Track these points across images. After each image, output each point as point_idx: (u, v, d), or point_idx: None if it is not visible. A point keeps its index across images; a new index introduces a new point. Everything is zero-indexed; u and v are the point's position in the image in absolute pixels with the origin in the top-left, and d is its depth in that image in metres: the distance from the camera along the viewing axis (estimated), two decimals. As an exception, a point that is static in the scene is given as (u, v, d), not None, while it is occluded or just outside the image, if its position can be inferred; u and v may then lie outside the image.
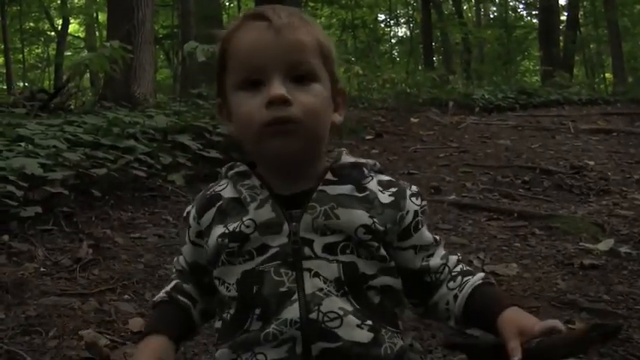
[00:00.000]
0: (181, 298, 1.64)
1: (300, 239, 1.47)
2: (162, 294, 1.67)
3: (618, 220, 4.73)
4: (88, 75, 19.15)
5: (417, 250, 1.59)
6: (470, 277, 1.58)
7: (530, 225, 4.64)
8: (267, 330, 1.42)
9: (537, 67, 29.83)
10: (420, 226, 1.59)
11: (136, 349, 1.57)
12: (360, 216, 1.49)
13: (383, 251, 1.51)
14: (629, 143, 8.65)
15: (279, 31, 1.47)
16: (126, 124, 5.75)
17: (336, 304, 1.43)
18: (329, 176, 1.54)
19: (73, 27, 31.15)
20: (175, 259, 1.73)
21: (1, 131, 5.05)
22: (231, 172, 1.60)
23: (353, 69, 12.52)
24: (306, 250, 1.46)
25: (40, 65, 30.76)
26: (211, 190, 1.61)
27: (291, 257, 1.46)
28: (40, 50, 31.63)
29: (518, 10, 33.71)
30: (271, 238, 1.47)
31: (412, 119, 10.59)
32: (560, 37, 25.00)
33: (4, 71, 19.73)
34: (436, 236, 1.64)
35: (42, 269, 3.48)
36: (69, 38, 29.78)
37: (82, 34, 32.23)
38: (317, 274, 1.44)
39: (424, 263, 1.59)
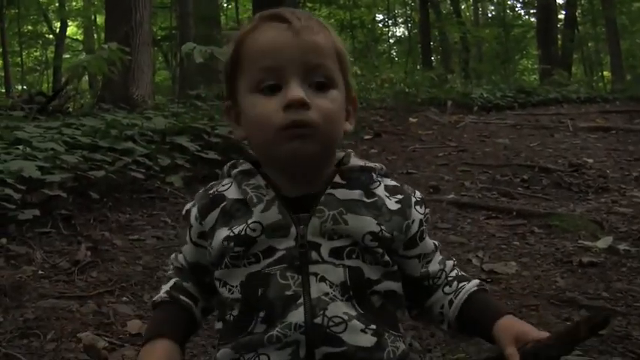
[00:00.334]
0: (183, 297, 1.61)
1: (308, 243, 1.45)
2: (162, 294, 1.63)
3: (617, 217, 4.73)
4: (86, 77, 19.17)
5: (421, 258, 1.59)
6: (465, 282, 1.59)
7: (529, 223, 4.63)
8: (272, 333, 1.41)
9: (536, 66, 29.86)
10: (424, 236, 1.59)
11: (140, 355, 1.53)
12: (369, 223, 1.48)
13: (387, 257, 1.50)
14: (627, 141, 8.65)
15: (298, 33, 1.45)
16: (124, 126, 5.75)
17: (340, 309, 1.42)
18: (337, 179, 1.52)
19: (71, 29, 31.16)
20: (173, 255, 1.70)
21: (-1, 134, 5.05)
22: (234, 171, 1.56)
23: (351, 69, 12.52)
24: (313, 255, 1.44)
25: (38, 68, 30.75)
26: (214, 189, 1.57)
27: (297, 261, 1.44)
28: (38, 53, 31.62)
29: (516, 9, 33.72)
30: (278, 241, 1.45)
31: (411, 119, 10.59)
32: (559, 36, 25.04)
33: (3, 74, 19.73)
34: (435, 242, 1.64)
35: (40, 272, 3.47)
36: (67, 41, 29.76)
37: (80, 37, 32.22)
38: (323, 279, 1.43)
39: (424, 270, 1.59)
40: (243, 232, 1.46)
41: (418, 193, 1.61)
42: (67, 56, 27.62)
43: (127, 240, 4.09)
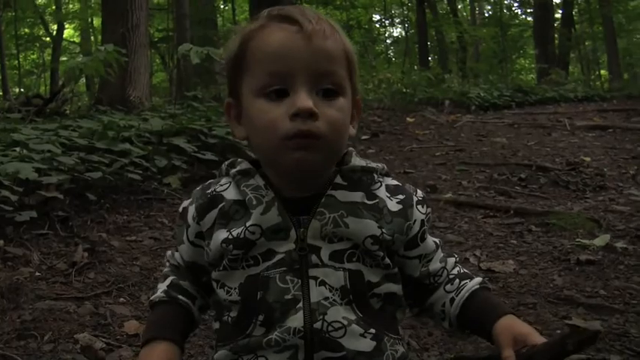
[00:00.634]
0: (181, 297, 1.59)
1: (308, 246, 1.43)
2: (160, 293, 1.60)
3: (614, 215, 4.73)
4: (84, 80, 19.18)
5: (422, 258, 1.58)
6: (467, 280, 1.58)
7: (527, 222, 4.64)
8: (270, 336, 1.39)
9: (533, 65, 29.87)
10: (425, 236, 1.57)
11: (140, 357, 1.51)
12: (370, 226, 1.45)
13: (387, 260, 1.48)
14: (625, 139, 8.66)
15: (309, 38, 1.40)
16: (121, 127, 5.75)
17: (340, 313, 1.40)
18: (338, 180, 1.49)
19: (68, 32, 31.12)
20: (169, 252, 1.67)
21: (-5, 136, 5.05)
22: (233, 171, 1.52)
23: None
24: (313, 258, 1.42)
25: (35, 71, 30.71)
26: (212, 189, 1.53)
27: (297, 264, 1.42)
28: (35, 56, 31.58)
29: (513, 9, 33.74)
30: (278, 243, 1.43)
31: (408, 118, 10.61)
32: (556, 35, 25.04)
33: (0, 77, 19.70)
34: (436, 240, 1.62)
35: (37, 273, 3.47)
36: (64, 43, 29.76)
37: (77, 39, 32.18)
38: (323, 283, 1.41)
39: (424, 269, 1.58)
40: (242, 235, 1.43)
41: (420, 193, 1.59)
42: (64, 59, 27.55)
43: (124, 241, 4.09)
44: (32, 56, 31.67)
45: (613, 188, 5.75)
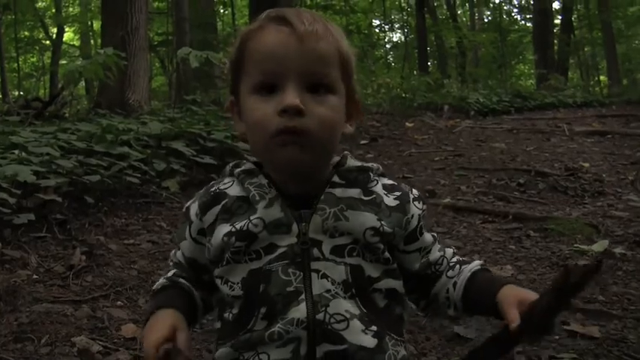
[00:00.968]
0: (183, 281, 1.60)
1: (310, 240, 1.45)
2: (162, 280, 1.62)
3: (613, 221, 4.73)
4: (83, 83, 19.18)
5: (421, 251, 1.59)
6: (467, 264, 1.59)
7: (525, 227, 4.64)
8: (273, 329, 1.40)
9: (532, 71, 29.90)
10: (423, 230, 1.59)
11: (147, 325, 1.49)
12: (369, 218, 1.49)
13: (387, 254, 1.50)
14: (623, 145, 8.66)
15: (301, 40, 1.45)
16: (119, 130, 5.74)
17: (343, 306, 1.42)
18: (336, 179, 1.52)
19: (68, 35, 31.14)
20: (173, 252, 1.68)
21: (-6, 139, 5.04)
22: (237, 170, 1.56)
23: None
24: (315, 252, 1.45)
25: (35, 74, 30.71)
26: (215, 187, 1.57)
27: (299, 258, 1.44)
28: (35, 59, 31.59)
29: (513, 14, 33.79)
30: (280, 237, 1.46)
31: (407, 123, 10.61)
32: (555, 41, 25.07)
33: (0, 80, 19.71)
34: (433, 234, 1.64)
35: (35, 276, 3.46)
36: (64, 46, 29.74)
37: (76, 43, 32.21)
38: (325, 276, 1.43)
39: (424, 260, 1.59)
40: (245, 228, 1.46)
41: (415, 191, 1.62)
42: (64, 62, 27.58)
43: (122, 244, 4.09)
44: (32, 59, 31.68)
45: (612, 194, 5.75)
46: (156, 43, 20.04)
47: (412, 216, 1.57)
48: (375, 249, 1.48)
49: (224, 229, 1.49)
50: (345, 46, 1.54)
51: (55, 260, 3.73)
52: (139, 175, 5.08)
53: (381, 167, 1.62)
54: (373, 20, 29.74)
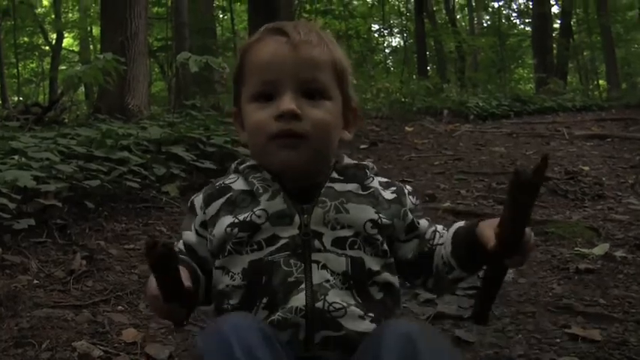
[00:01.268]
0: (183, 257, 1.62)
1: (311, 231, 1.51)
2: None
3: (613, 224, 4.72)
4: (82, 89, 19.18)
5: (420, 237, 1.66)
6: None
7: (526, 231, 4.62)
8: (273, 317, 1.45)
9: (531, 75, 29.91)
10: (419, 220, 1.67)
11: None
12: (368, 211, 1.56)
13: (385, 246, 1.57)
14: (623, 148, 8.66)
15: (295, 48, 1.55)
16: (119, 135, 5.74)
17: (340, 296, 1.47)
18: (334, 175, 1.60)
19: (68, 41, 31.14)
20: (176, 242, 1.72)
21: (-6, 144, 5.04)
22: (242, 166, 1.64)
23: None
24: (316, 243, 1.51)
25: (34, 79, 30.72)
26: (221, 182, 1.65)
27: (300, 249, 1.50)
28: (34, 65, 31.59)
29: (512, 18, 33.82)
30: (282, 229, 1.52)
31: (407, 128, 10.61)
32: (554, 45, 25.08)
33: (-1, 86, 19.73)
34: (427, 218, 1.72)
35: (35, 281, 3.46)
36: (63, 52, 29.76)
37: (76, 48, 32.20)
38: (325, 267, 1.49)
39: (422, 242, 1.66)
40: (248, 219, 1.53)
41: (409, 187, 1.72)
42: (64, 68, 27.57)
43: (122, 249, 4.08)
44: (31, 65, 31.67)
45: (612, 197, 5.74)
46: (155, 48, 20.06)
47: (409, 208, 1.65)
48: (374, 241, 1.55)
49: (227, 220, 1.55)
50: (340, 55, 1.65)
51: (55, 265, 3.73)
52: (139, 180, 5.08)
53: (375, 167, 1.70)
54: (372, 25, 29.74)
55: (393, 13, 30.68)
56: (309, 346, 1.46)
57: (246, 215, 1.53)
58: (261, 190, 1.56)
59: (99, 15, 14.37)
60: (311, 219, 1.52)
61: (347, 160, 1.66)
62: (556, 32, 27.02)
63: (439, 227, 1.69)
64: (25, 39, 28.54)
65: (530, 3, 28.29)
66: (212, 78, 12.25)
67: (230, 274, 1.54)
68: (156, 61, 22.36)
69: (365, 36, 27.63)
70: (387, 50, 33.73)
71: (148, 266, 1.36)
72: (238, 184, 1.62)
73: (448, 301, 3.27)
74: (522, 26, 32.90)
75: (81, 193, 4.67)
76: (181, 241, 1.69)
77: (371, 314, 1.49)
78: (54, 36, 27.98)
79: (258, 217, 1.52)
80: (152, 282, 1.44)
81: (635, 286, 3.47)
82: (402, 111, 12.47)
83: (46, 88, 27.34)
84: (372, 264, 1.54)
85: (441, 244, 1.63)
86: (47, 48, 29.07)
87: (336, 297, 1.47)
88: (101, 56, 6.87)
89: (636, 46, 32.18)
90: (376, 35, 31.70)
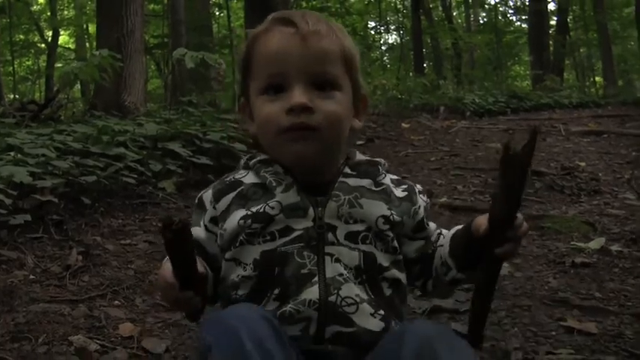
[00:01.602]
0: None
1: (325, 224, 1.51)
2: None
3: (609, 219, 4.73)
4: (79, 86, 19.14)
5: (427, 239, 1.68)
6: None
7: (522, 225, 4.62)
8: (284, 309, 1.45)
9: (528, 72, 29.92)
10: (428, 220, 1.69)
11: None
12: (381, 207, 1.56)
13: (395, 243, 1.57)
14: (619, 144, 8.67)
15: (304, 39, 1.52)
16: (115, 132, 5.73)
17: (353, 290, 1.47)
18: (347, 170, 1.61)
19: (63, 38, 31.09)
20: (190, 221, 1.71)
21: (-11, 141, 5.03)
22: (252, 162, 1.63)
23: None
24: (330, 236, 1.51)
25: (30, 77, 30.65)
26: (231, 177, 1.65)
27: (314, 241, 1.50)
28: (30, 62, 31.52)
29: (508, 15, 33.81)
30: (296, 221, 1.51)
31: (403, 124, 10.62)
32: (550, 42, 25.09)
33: (-5, 83, 19.67)
34: (434, 224, 1.73)
35: (31, 276, 3.46)
36: (59, 50, 29.68)
37: (72, 46, 32.15)
38: (338, 260, 1.49)
39: (427, 244, 1.68)
40: (262, 210, 1.52)
41: (419, 186, 1.72)
42: (59, 65, 27.51)
43: (118, 245, 4.08)
44: (27, 62, 31.61)
45: (608, 192, 5.75)
46: (152, 45, 20.03)
47: (419, 207, 1.66)
48: (385, 237, 1.55)
49: (240, 213, 1.55)
50: (349, 43, 1.62)
51: (51, 260, 3.73)
52: (136, 176, 5.07)
53: (387, 164, 1.71)
54: (369, 22, 29.74)
55: (390, 10, 30.65)
56: (319, 342, 1.45)
57: (259, 207, 1.53)
58: (274, 184, 1.55)
59: (95, 12, 14.34)
60: (325, 212, 1.52)
61: (359, 157, 1.66)
62: (552, 29, 27.05)
63: (444, 231, 1.71)
64: (21, 37, 28.46)
65: (527, 0, 28.28)
66: (208, 75, 12.22)
67: (242, 264, 1.53)
68: (152, 59, 22.32)
69: (361, 33, 27.59)
70: (383, 47, 33.71)
71: (164, 244, 1.36)
72: (249, 177, 1.61)
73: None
74: (519, 23, 32.93)
75: (77, 189, 4.67)
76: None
77: (381, 312, 1.49)
78: (50, 33, 27.91)
79: (272, 208, 1.52)
80: (165, 270, 1.44)
81: (631, 279, 3.48)
82: (398, 108, 12.47)
83: (42, 86, 27.25)
84: (383, 260, 1.54)
85: (441, 246, 1.65)
86: (43, 46, 28.98)
87: (350, 291, 1.46)
88: (97, 53, 6.87)
89: (632, 43, 32.14)
90: (373, 32, 31.70)
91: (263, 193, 1.56)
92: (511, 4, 33.70)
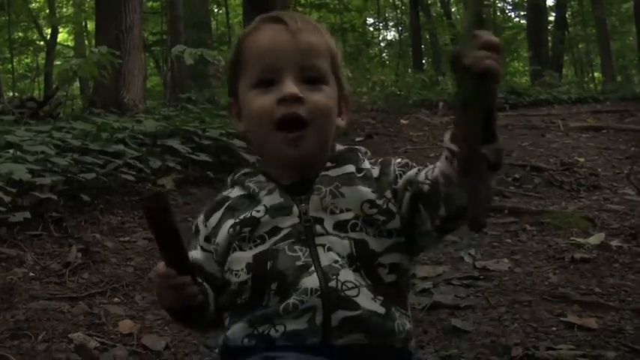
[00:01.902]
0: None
1: (311, 218, 1.51)
2: None
3: (609, 214, 4.73)
4: (77, 84, 19.13)
5: (411, 184, 1.52)
6: None
7: (521, 221, 4.63)
8: (287, 302, 1.44)
9: (526, 68, 29.90)
10: (403, 170, 1.57)
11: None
12: (364, 192, 1.54)
13: (390, 225, 1.53)
14: (618, 140, 8.66)
15: (294, 34, 1.56)
16: (115, 129, 5.73)
17: (351, 275, 1.46)
18: (328, 163, 1.60)
19: (62, 36, 31.04)
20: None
21: (-11, 138, 5.02)
22: (237, 175, 1.66)
23: (344, 70, 12.52)
24: (318, 228, 1.50)
25: (29, 75, 30.60)
26: (219, 196, 1.67)
27: (303, 235, 1.50)
28: (29, 60, 31.48)
29: (507, 11, 33.78)
30: (282, 220, 1.52)
31: (402, 120, 10.60)
32: (549, 37, 25.07)
33: (-6, 81, 19.63)
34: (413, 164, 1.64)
35: (31, 274, 3.46)
36: (58, 47, 29.64)
37: (71, 43, 32.10)
38: (330, 249, 1.48)
39: (413, 183, 1.52)
40: (249, 215, 1.53)
41: (399, 158, 1.64)
42: (58, 62, 27.46)
43: (118, 242, 4.08)
44: (26, 60, 31.58)
45: (607, 188, 5.75)
46: (150, 42, 20.02)
47: (392, 172, 1.58)
48: (375, 221, 1.52)
49: (229, 223, 1.56)
50: (333, 44, 1.66)
51: (51, 258, 3.73)
52: (135, 173, 5.07)
53: (368, 152, 1.68)
54: (367, 18, 29.72)
55: (388, 6, 30.62)
56: (327, 332, 1.43)
57: (246, 214, 1.54)
58: (257, 190, 1.57)
59: (93, 10, 14.33)
60: (309, 206, 1.52)
61: (339, 147, 1.66)
62: (551, 25, 27.01)
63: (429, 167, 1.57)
64: (20, 34, 28.42)
65: (525, -5, 28.26)
66: (207, 72, 12.23)
67: (234, 272, 1.52)
68: (151, 56, 22.34)
69: (360, 29, 27.58)
70: (382, 44, 33.70)
71: (148, 226, 1.38)
72: (236, 191, 1.63)
73: (444, 290, 3.28)
74: (517, 19, 32.89)
75: (76, 186, 4.67)
76: None
77: (380, 297, 1.47)
78: (48, 31, 27.88)
79: (258, 211, 1.53)
80: (159, 266, 1.46)
81: (631, 274, 3.48)
82: (397, 104, 12.45)
83: (41, 84, 27.20)
84: (376, 245, 1.51)
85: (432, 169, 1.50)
86: (42, 43, 28.95)
87: (348, 276, 1.45)
88: (96, 50, 6.85)
89: (631, 38, 32.12)
90: (371, 29, 31.69)
91: (250, 202, 1.57)
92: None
